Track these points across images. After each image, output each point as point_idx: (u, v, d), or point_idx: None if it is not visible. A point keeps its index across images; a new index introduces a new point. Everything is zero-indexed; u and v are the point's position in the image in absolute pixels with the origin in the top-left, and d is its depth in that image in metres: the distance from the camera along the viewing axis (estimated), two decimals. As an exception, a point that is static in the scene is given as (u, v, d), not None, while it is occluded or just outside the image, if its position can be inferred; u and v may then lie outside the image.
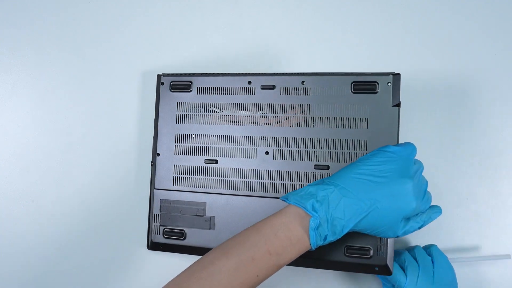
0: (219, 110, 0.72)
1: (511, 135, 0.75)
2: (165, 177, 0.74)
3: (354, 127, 0.68)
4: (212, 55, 0.79)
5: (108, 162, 0.79)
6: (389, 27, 0.77)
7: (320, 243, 0.59)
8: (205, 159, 0.73)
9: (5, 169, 0.80)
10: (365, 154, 0.65)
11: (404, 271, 0.65)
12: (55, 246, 0.79)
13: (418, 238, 0.73)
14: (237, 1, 0.79)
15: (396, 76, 0.67)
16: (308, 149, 0.69)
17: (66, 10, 0.80)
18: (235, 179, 0.72)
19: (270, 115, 0.71)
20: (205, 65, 0.78)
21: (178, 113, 0.74)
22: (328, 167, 0.69)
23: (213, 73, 0.73)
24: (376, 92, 0.67)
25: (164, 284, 0.59)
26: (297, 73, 0.70)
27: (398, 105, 0.66)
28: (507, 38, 0.76)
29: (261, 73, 0.72)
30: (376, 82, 0.67)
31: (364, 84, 0.67)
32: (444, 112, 0.76)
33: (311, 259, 0.67)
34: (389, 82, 0.67)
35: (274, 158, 0.70)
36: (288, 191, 0.69)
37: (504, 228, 0.74)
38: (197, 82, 0.73)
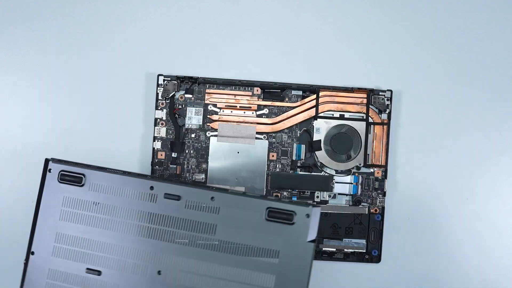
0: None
1: (511, 135, 0.75)
2: (36, 282, 0.64)
3: (263, 258, 0.59)
4: (212, 55, 0.79)
5: (108, 162, 0.78)
6: (389, 27, 0.77)
7: None
8: (87, 268, 0.63)
9: (5, 169, 0.80)
10: None
11: None
12: (55, 246, 0.79)
13: (416, 238, 0.73)
14: (237, 1, 0.79)
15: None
16: (208, 277, 0.60)
17: (66, 10, 0.80)
18: None
19: (170, 229, 0.61)
20: (205, 65, 0.78)
21: (63, 208, 0.64)
22: None
23: (110, 169, 0.65)
24: (293, 223, 0.59)
25: None
26: (207, 186, 0.65)
27: (314, 241, 0.58)
28: (507, 38, 0.76)
29: (166, 179, 0.65)
30: (293, 212, 0.59)
31: (280, 212, 0.59)
32: (445, 111, 0.76)
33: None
34: (307, 214, 0.58)
35: (167, 279, 0.61)
36: None
37: (504, 228, 0.74)
38: (91, 177, 0.64)
